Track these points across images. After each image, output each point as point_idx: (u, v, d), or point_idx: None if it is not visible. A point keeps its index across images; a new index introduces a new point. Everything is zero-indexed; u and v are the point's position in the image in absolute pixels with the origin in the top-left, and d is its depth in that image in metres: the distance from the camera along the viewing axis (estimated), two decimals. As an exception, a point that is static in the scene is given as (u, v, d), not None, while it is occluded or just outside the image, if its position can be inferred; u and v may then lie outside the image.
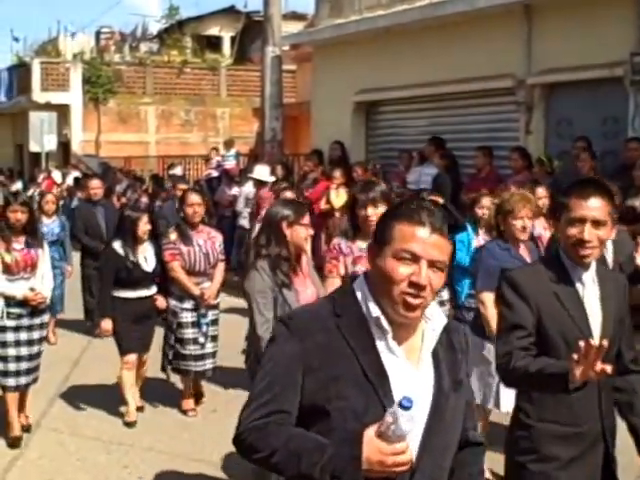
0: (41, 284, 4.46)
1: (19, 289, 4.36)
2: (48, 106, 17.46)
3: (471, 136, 8.56)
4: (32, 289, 4.39)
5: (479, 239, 5.01)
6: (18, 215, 4.38)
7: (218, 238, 5.02)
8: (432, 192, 6.20)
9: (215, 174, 12.21)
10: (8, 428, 4.44)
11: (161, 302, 4.89)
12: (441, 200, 6.29)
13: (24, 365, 4.43)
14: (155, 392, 5.14)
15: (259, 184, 8.47)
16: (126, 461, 4.19)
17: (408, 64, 9.17)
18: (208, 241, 4.90)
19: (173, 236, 4.86)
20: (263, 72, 11.08)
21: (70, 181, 14.84)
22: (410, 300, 1.50)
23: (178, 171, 13.07)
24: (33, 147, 16.35)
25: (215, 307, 4.95)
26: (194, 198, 4.88)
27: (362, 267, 3.31)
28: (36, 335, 4.47)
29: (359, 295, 1.59)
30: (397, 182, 8.50)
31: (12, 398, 4.45)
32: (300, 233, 3.25)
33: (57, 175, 15.60)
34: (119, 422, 4.76)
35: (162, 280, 4.90)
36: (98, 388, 5.36)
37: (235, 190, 9.98)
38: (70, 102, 18.72)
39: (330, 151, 9.87)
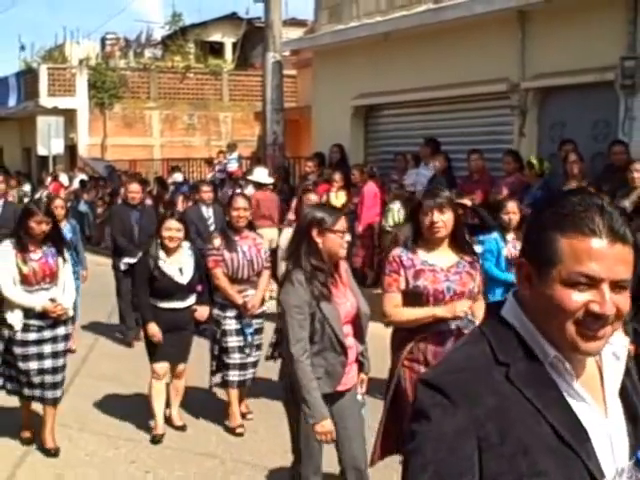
0: (62, 294, 4.25)
1: (38, 300, 4.16)
2: (55, 111, 17.73)
3: (466, 139, 8.70)
4: (52, 300, 4.19)
5: (509, 247, 4.87)
6: (43, 227, 4.13)
7: (264, 245, 4.77)
8: (458, 195, 5.66)
9: (220, 176, 12.45)
10: (22, 429, 4.52)
11: (201, 313, 4.63)
12: (468, 202, 5.63)
13: (49, 378, 4.25)
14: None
15: (258, 186, 8.65)
16: (133, 456, 4.30)
17: (406, 69, 9.33)
18: (253, 247, 4.64)
19: (217, 241, 4.61)
20: (264, 77, 11.26)
21: (76, 184, 15.10)
22: (591, 333, 1.14)
23: (179, 177, 13.27)
24: (40, 151, 16.62)
25: (259, 316, 4.72)
26: (240, 202, 4.62)
27: (425, 281, 3.10)
28: (61, 347, 4.28)
29: (519, 329, 1.20)
30: (395, 184, 8.70)
31: (27, 405, 4.45)
32: (334, 240, 2.94)
33: (64, 178, 15.87)
34: (127, 418, 4.84)
35: (204, 289, 4.64)
36: (106, 385, 5.50)
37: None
38: (76, 107, 19.00)
39: (330, 154, 10.06)
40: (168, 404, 4.78)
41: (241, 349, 4.60)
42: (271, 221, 8.23)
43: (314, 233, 2.92)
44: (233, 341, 4.59)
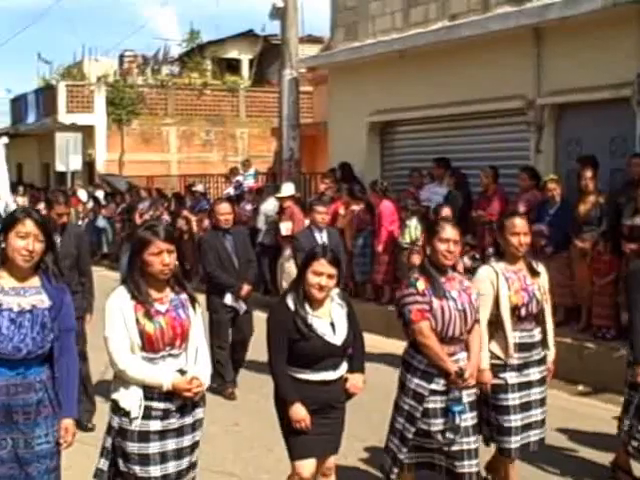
0: (194, 363, 2.95)
1: (165, 373, 2.86)
2: (73, 127, 17.99)
3: (483, 155, 8.71)
4: (182, 372, 2.90)
5: None
6: (164, 258, 2.81)
7: (473, 290, 3.50)
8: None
9: (233, 192, 12.56)
10: None
11: (354, 384, 3.33)
12: None
13: None
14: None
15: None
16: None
17: (421, 86, 9.38)
18: (463, 293, 3.43)
19: (421, 284, 3.38)
20: (281, 93, 11.36)
21: (91, 201, 15.29)
22: None
23: (200, 188, 13.46)
24: (59, 167, 16.80)
25: (472, 387, 3.48)
26: (451, 232, 3.38)
27: None
28: (187, 441, 2.94)
29: None
30: (411, 200, 8.72)
31: None
32: None
33: (83, 194, 16.10)
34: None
35: (356, 351, 3.37)
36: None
37: (251, 206, 10.31)
38: (95, 123, 19.33)
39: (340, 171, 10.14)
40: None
41: (443, 433, 3.37)
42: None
43: None
44: (439, 424, 3.37)
